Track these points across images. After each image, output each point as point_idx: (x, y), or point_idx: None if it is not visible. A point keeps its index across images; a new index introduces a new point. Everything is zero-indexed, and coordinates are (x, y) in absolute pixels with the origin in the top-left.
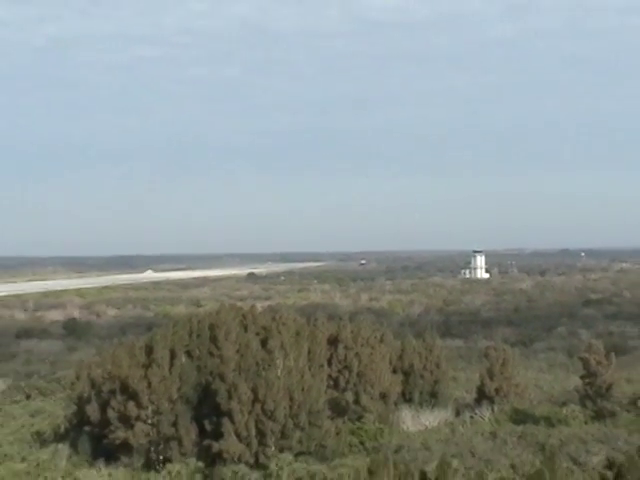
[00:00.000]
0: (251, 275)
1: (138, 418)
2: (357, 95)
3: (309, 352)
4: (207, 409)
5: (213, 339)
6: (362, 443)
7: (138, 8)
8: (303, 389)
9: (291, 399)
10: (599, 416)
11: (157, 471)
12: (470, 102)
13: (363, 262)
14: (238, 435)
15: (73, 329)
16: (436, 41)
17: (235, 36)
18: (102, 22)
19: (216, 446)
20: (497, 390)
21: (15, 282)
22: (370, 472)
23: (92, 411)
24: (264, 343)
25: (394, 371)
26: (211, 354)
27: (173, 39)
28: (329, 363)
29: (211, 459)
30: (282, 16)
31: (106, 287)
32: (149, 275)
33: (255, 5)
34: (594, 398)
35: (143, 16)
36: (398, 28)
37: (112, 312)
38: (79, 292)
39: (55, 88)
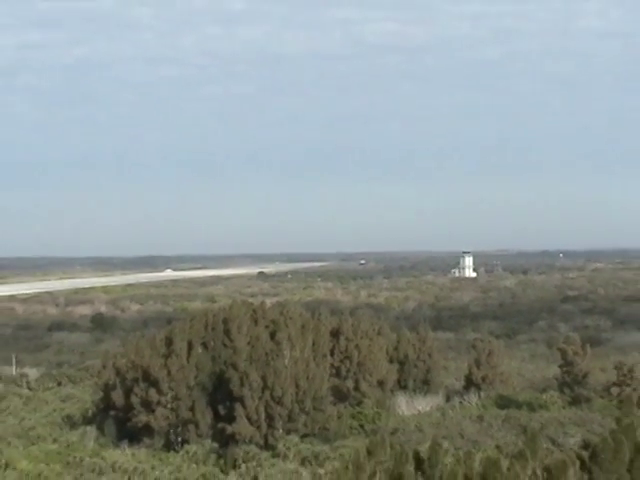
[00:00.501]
0: (261, 274)
1: (159, 403)
2: (358, 111)
3: (313, 343)
4: (221, 395)
5: (226, 332)
6: (361, 426)
7: (159, 32)
8: (308, 377)
9: (297, 386)
10: (576, 402)
11: (176, 451)
12: (462, 117)
13: (363, 262)
14: (249, 419)
15: (100, 323)
16: (430, 62)
17: (248, 57)
18: (127, 44)
19: (229, 429)
20: (483, 378)
21: (47, 280)
22: (369, 452)
23: (117, 397)
24: (273, 335)
25: (390, 361)
26: (225, 345)
27: (191, 60)
28: (332, 353)
29: (225, 440)
30: (291, 40)
31: (129, 285)
32: (168, 274)
33: (266, 30)
34: (571, 385)
35: (164, 39)
36: (395, 50)
37: (135, 307)
38: (105, 289)
39: (85, 104)
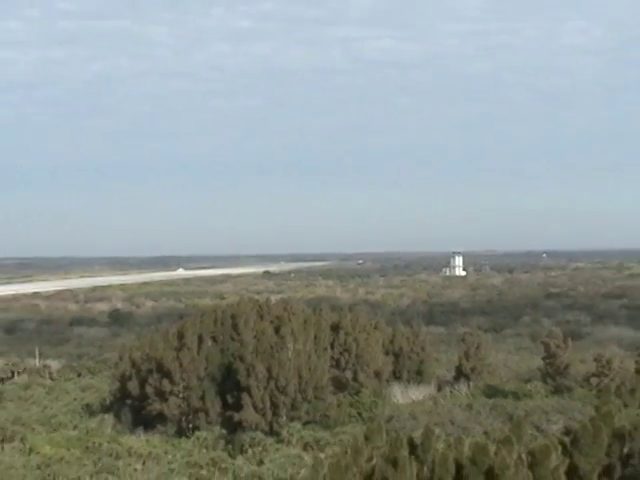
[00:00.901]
0: (266, 273)
1: (171, 393)
2: (357, 122)
3: (315, 337)
4: (229, 385)
5: (234, 326)
6: (359, 414)
7: (173, 48)
8: (310, 368)
9: (300, 377)
10: (558, 391)
11: (187, 437)
12: (454, 128)
13: (360, 262)
14: (255, 407)
15: (117, 318)
16: (424, 76)
17: (254, 72)
18: (141, 60)
19: (237, 416)
20: (472, 369)
21: (69, 279)
22: (366, 438)
23: (133, 387)
24: (277, 330)
25: (386, 353)
26: (232, 339)
27: (201, 74)
28: (332, 346)
29: (232, 427)
30: (294, 56)
31: (144, 283)
32: (180, 273)
33: (272, 46)
34: (553, 376)
35: (176, 55)
36: (391, 66)
37: (149, 304)
38: (122, 287)
39: (102, 115)
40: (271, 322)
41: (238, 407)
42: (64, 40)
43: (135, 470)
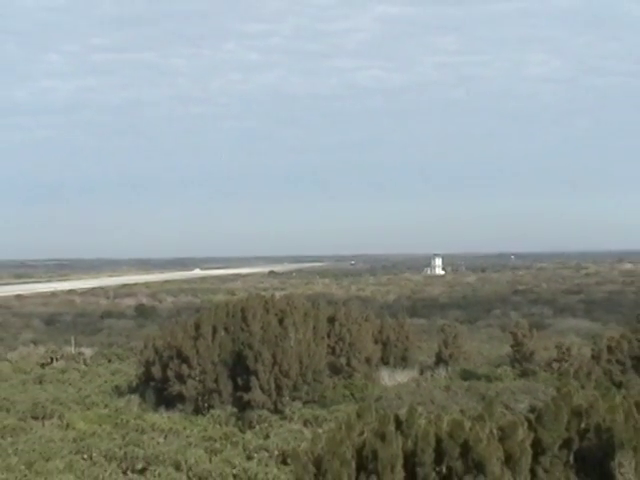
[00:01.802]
0: (271, 272)
1: (189, 376)
2: (350, 141)
3: (314, 328)
4: (239, 369)
5: (244, 319)
6: (352, 394)
7: (191, 77)
8: (309, 355)
9: (300, 362)
10: (524, 374)
11: (203, 415)
12: (434, 145)
13: (353, 262)
14: (262, 389)
15: (142, 312)
16: (407, 101)
17: (262, 98)
18: (165, 87)
19: (246, 397)
20: (450, 355)
21: (100, 277)
22: (358, 415)
23: (156, 371)
24: (281, 321)
25: (375, 342)
26: (242, 329)
27: (216, 100)
28: (328, 336)
29: (242, 406)
30: (297, 83)
31: (166, 281)
32: (197, 272)
33: (278, 75)
34: (520, 361)
35: (195, 83)
36: (379, 92)
37: (170, 299)
38: (146, 284)
39: (131, 135)
40: (275, 315)
41: (247, 388)
42: (98, 70)
43: (158, 443)
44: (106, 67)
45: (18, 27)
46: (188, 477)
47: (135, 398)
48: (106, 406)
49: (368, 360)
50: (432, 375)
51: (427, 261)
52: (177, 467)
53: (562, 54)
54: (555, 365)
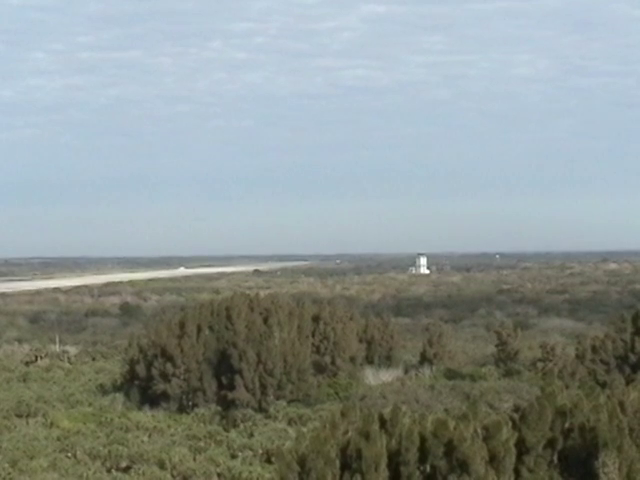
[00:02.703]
0: (256, 271)
1: (174, 375)
2: (335, 140)
3: (298, 327)
4: (224, 368)
5: (228, 317)
6: (337, 393)
7: (177, 76)
8: (294, 354)
9: (285, 361)
10: (508, 374)
11: (187, 413)
12: (418, 145)
13: (338, 261)
14: (246, 387)
15: (126, 310)
16: (393, 101)
17: (247, 97)
18: (150, 86)
19: (230, 395)
20: (435, 355)
21: (84, 276)
22: (342, 414)
23: (140, 369)
24: (265, 320)
25: (360, 341)
26: (227, 328)
27: (202, 99)
28: (313, 335)
29: (227, 405)
30: (282, 83)
31: (151, 279)
32: (182, 271)
33: (262, 75)
34: (505, 361)
35: (180, 82)
36: (365, 91)
37: (155, 297)
38: (131, 283)
39: (116, 134)
40: (260, 314)
41: (231, 387)
42: (84, 69)
43: (142, 442)
44: (92, 66)
45: (3, 25)
46: (172, 475)
47: (119, 396)
48: (90, 404)
49: (352, 359)
50: (416, 374)
51: (412, 260)
52: (161, 465)
53: (548, 54)
54: (539, 365)
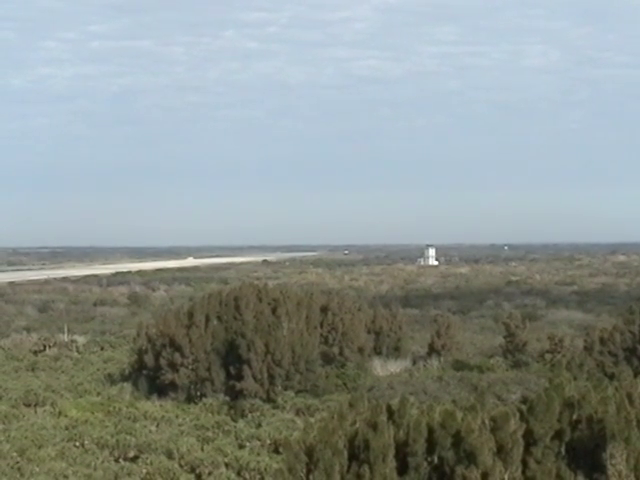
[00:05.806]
0: (265, 261)
1: (182, 364)
2: (346, 130)
3: (307, 317)
4: (232, 358)
5: (236, 307)
6: (344, 384)
7: (189, 66)
8: (302, 344)
9: (293, 351)
10: (516, 365)
11: (195, 403)
12: (427, 137)
13: (346, 252)
14: (254, 377)
15: (135, 300)
16: (404, 92)
17: (259, 87)
18: (162, 76)
19: (238, 385)
20: (443, 346)
21: (93, 265)
22: (350, 405)
23: (148, 359)
24: (274, 311)
25: (368, 332)
26: (235, 318)
27: (213, 89)
28: (321, 325)
29: (235, 395)
30: (293, 73)
31: (159, 269)
32: (190, 261)
33: (274, 65)
34: (513, 352)
35: (192, 72)
36: (376, 82)
37: (163, 287)
38: (139, 273)
39: (127, 123)
40: (268, 304)
41: (239, 377)
42: (95, 58)
43: (150, 431)
44: (103, 55)
45: (15, 13)
46: (180, 465)
47: (128, 386)
48: (99, 394)
49: (361, 350)
50: (424, 365)
51: (420, 252)
52: (169, 455)
53: (560, 45)
54: (547, 356)
